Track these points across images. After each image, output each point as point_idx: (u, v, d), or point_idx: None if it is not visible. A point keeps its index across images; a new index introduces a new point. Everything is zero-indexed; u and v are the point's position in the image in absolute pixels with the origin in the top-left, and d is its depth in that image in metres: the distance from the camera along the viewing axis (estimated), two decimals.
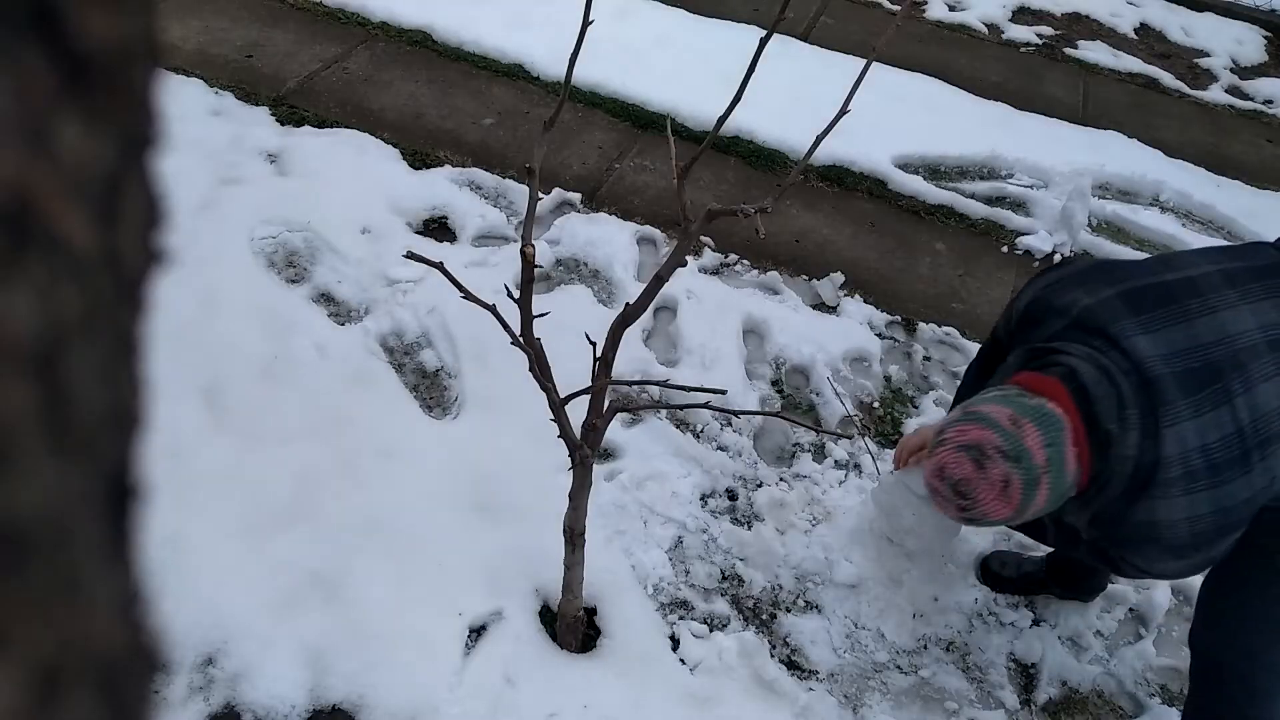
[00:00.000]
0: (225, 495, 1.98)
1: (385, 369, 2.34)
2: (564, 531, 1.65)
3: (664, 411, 2.34)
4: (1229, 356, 1.38)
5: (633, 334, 2.39)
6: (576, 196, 2.98)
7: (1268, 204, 3.42)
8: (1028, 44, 4.31)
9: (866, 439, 2.38)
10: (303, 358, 2.29)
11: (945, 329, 2.71)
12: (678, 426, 2.32)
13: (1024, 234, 3.08)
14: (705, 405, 1.36)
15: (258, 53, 3.39)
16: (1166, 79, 4.20)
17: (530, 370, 1.37)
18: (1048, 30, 4.44)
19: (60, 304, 0.21)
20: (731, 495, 2.20)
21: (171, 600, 1.79)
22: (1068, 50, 4.30)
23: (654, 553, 2.05)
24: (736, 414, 1.45)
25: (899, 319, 2.73)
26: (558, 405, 1.40)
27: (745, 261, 2.84)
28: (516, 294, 1.36)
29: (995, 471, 1.40)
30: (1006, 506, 1.41)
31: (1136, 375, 1.39)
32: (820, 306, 2.75)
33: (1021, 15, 4.54)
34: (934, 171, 3.35)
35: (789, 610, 2.01)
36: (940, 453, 1.47)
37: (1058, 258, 3.03)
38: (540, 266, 2.65)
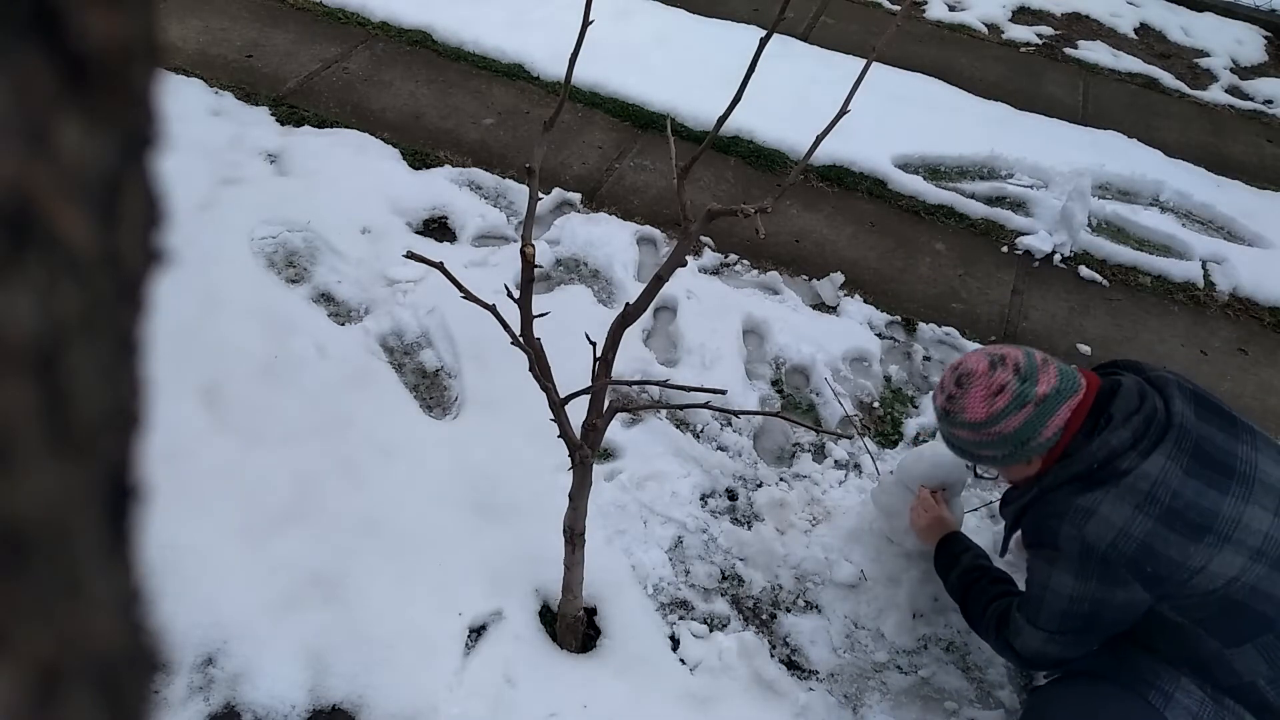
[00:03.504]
0: (225, 495, 1.98)
1: (385, 369, 2.34)
2: (564, 531, 1.65)
3: (664, 411, 2.34)
4: (1247, 474, 1.45)
5: (633, 334, 2.39)
6: (576, 196, 2.98)
7: (1268, 204, 3.43)
8: (1028, 44, 4.31)
9: (866, 439, 2.38)
10: (303, 358, 2.29)
11: (945, 329, 2.71)
12: (678, 426, 2.32)
13: (1024, 234, 3.08)
14: (705, 405, 1.36)
15: (258, 53, 3.39)
16: (1166, 79, 4.20)
17: (530, 370, 1.37)
18: (1048, 30, 4.44)
19: (60, 304, 0.21)
20: (731, 495, 2.20)
21: (171, 600, 1.79)
22: (1068, 50, 4.31)
23: (654, 553, 2.05)
24: (736, 414, 1.45)
25: (899, 319, 2.73)
26: (558, 405, 1.40)
27: (745, 261, 2.84)
28: (516, 294, 1.36)
29: (999, 378, 1.55)
30: (983, 410, 1.55)
31: (1165, 418, 1.49)
32: (820, 306, 2.75)
33: (1021, 15, 4.54)
34: (934, 171, 3.35)
35: (789, 610, 2.01)
36: (968, 354, 1.64)
37: (1058, 258, 3.03)
38: (540, 266, 2.65)
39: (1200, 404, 1.53)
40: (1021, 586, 1.72)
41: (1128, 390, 1.52)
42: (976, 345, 2.67)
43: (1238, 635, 1.44)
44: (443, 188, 2.88)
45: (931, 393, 1.69)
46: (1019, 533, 1.67)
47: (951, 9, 4.47)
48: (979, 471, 1.86)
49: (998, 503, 2.13)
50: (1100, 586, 1.47)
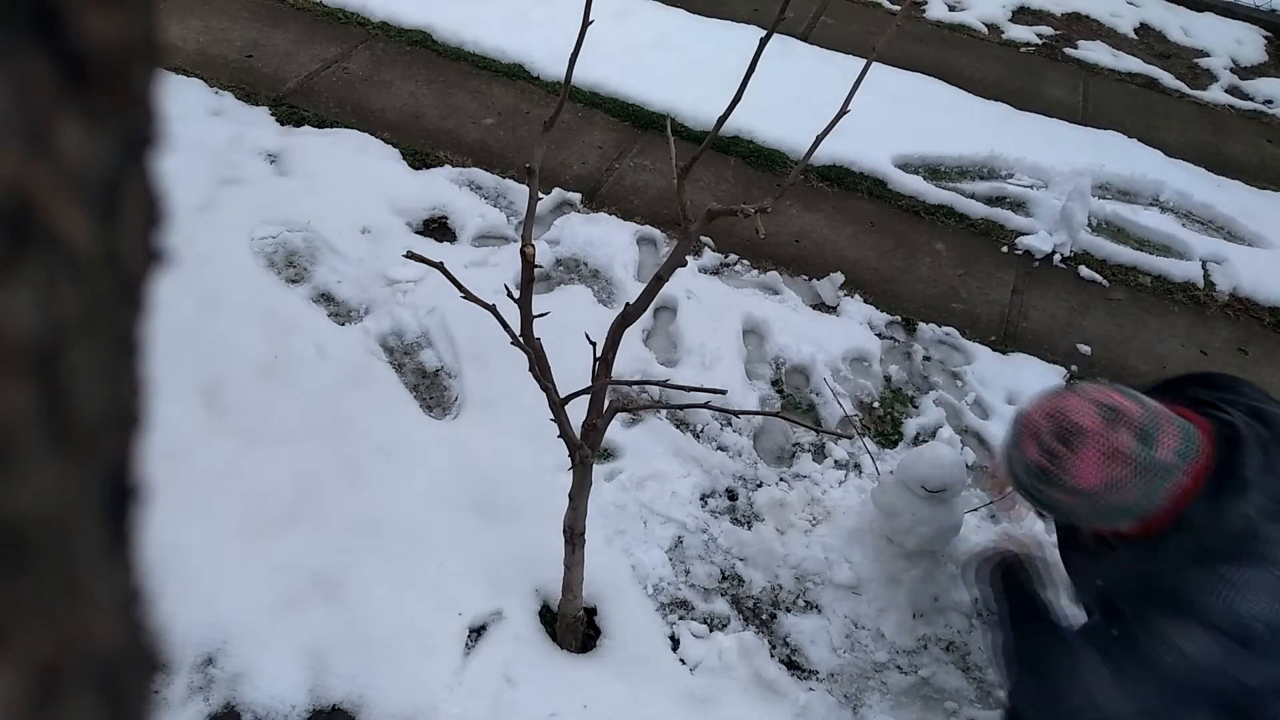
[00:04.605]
0: (225, 495, 1.98)
1: (385, 369, 2.34)
2: (564, 531, 1.65)
3: (664, 411, 2.34)
4: None
5: (633, 334, 2.39)
6: (576, 196, 2.98)
7: (1268, 204, 3.43)
8: (1028, 44, 4.31)
9: (866, 439, 2.38)
10: (303, 358, 2.29)
11: (945, 329, 2.71)
12: (678, 426, 2.32)
13: (1024, 234, 3.08)
14: (705, 405, 1.35)
15: (258, 53, 3.39)
16: (1166, 79, 4.20)
17: (530, 370, 1.37)
18: (1048, 30, 4.44)
19: (60, 304, 0.21)
20: (731, 495, 2.20)
21: (171, 600, 1.79)
22: (1068, 50, 4.31)
23: (654, 553, 2.05)
24: (736, 414, 1.45)
25: (899, 319, 2.73)
26: (558, 405, 1.40)
27: (745, 261, 2.84)
28: (516, 294, 1.36)
29: (1119, 439, 1.29)
30: (1097, 478, 1.29)
31: None
32: (820, 306, 2.75)
33: (1021, 15, 4.54)
34: (934, 171, 3.35)
35: (789, 610, 2.01)
36: (1067, 397, 1.35)
37: (1058, 258, 3.03)
38: (540, 266, 2.65)
39: None
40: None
41: (1249, 443, 1.30)
42: (976, 345, 2.67)
43: None
44: (443, 188, 2.88)
45: (1011, 436, 1.41)
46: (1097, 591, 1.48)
47: (951, 9, 4.47)
48: (1045, 513, 1.56)
49: (1060, 551, 1.73)
50: (1242, 667, 1.27)
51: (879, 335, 2.67)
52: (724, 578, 2.05)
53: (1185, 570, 1.32)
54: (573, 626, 1.83)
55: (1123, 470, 1.28)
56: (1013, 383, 2.57)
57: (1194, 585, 1.30)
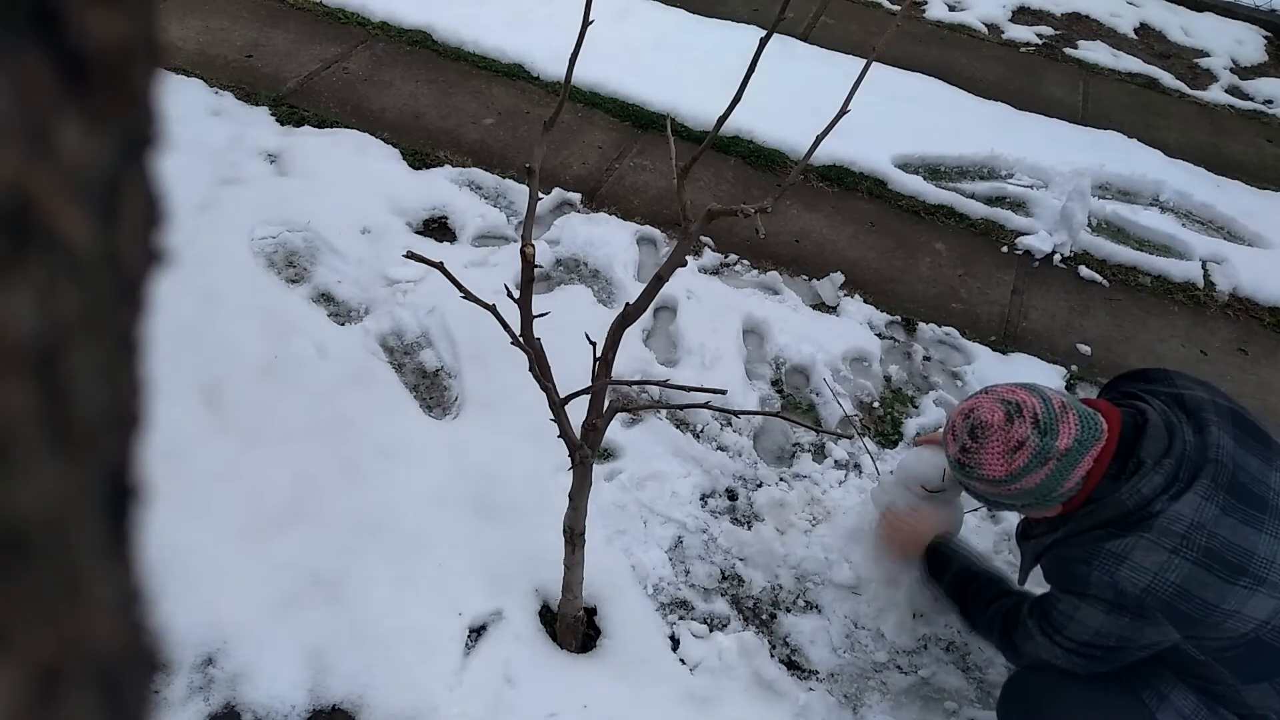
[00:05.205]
0: (225, 495, 1.98)
1: (385, 369, 2.34)
2: (564, 531, 1.65)
3: (664, 411, 2.34)
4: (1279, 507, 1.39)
5: (633, 334, 2.39)
6: (576, 196, 2.98)
7: (1268, 204, 3.42)
8: (1028, 44, 4.31)
9: (866, 439, 2.38)
10: (303, 358, 2.29)
11: (945, 329, 2.71)
12: (678, 426, 2.32)
13: (1024, 234, 3.08)
14: (705, 405, 1.35)
15: (258, 53, 3.39)
16: (1166, 79, 4.20)
17: (530, 370, 1.37)
18: (1048, 30, 4.44)
19: (60, 304, 0.21)
20: (731, 495, 2.20)
21: (171, 600, 1.79)
22: (1068, 50, 4.31)
23: (654, 553, 2.05)
24: (736, 414, 1.45)
25: (899, 319, 2.73)
26: (558, 405, 1.40)
27: (745, 261, 2.84)
28: (516, 294, 1.36)
29: (1017, 432, 1.46)
30: (1002, 468, 1.47)
31: (1199, 452, 1.41)
32: (820, 306, 2.75)
33: (1021, 15, 4.54)
34: (934, 171, 3.35)
35: (789, 610, 2.01)
36: (980, 397, 1.54)
37: (1057, 258, 3.03)
38: (540, 266, 2.65)
39: (1239, 425, 1.46)
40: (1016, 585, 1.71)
41: (1155, 428, 1.44)
42: (976, 345, 2.67)
43: (1256, 674, 1.40)
44: (443, 188, 2.88)
45: (943, 431, 1.62)
46: (1038, 566, 1.60)
47: (951, 9, 4.47)
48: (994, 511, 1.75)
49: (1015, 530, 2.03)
50: (1131, 625, 1.41)
51: (879, 335, 2.67)
52: (724, 578, 2.05)
53: (1079, 545, 1.44)
54: (573, 626, 1.83)
55: (1022, 458, 1.45)
56: None
57: (1078, 559, 1.44)
